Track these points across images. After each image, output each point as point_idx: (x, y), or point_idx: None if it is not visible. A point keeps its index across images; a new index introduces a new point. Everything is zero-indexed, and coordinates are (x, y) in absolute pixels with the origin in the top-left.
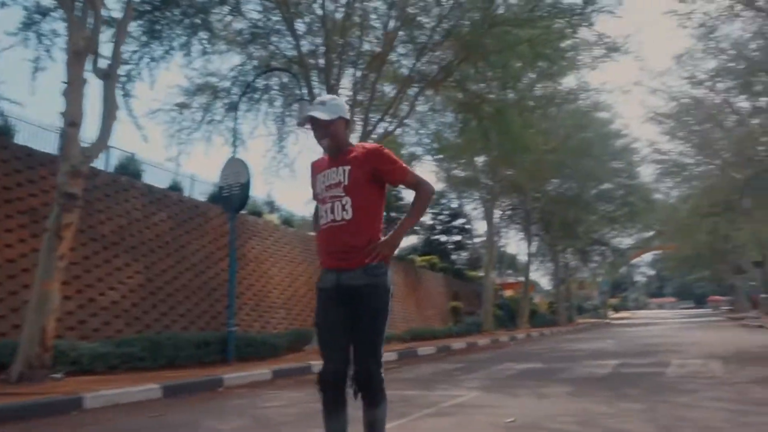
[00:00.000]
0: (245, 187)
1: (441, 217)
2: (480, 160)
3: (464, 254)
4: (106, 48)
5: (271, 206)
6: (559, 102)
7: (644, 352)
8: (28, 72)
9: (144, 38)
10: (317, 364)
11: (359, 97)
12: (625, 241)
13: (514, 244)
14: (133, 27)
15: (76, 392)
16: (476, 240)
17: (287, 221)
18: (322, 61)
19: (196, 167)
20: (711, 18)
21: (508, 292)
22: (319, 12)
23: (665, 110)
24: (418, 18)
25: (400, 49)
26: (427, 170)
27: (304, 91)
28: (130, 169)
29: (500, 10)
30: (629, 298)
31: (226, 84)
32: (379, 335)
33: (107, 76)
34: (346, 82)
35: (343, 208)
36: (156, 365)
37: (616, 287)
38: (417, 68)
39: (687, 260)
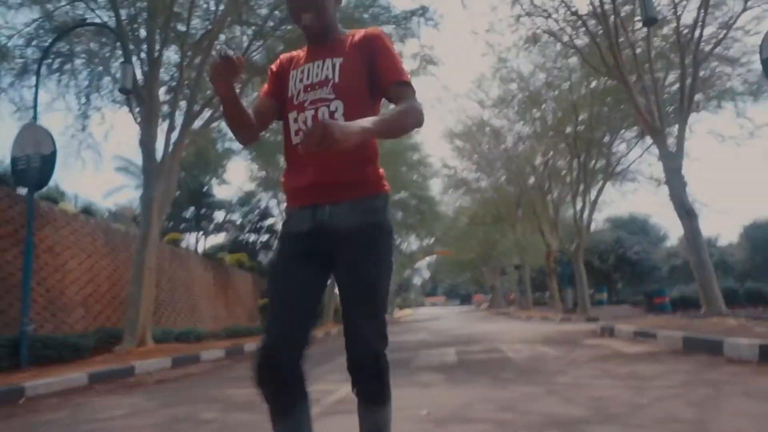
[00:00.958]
0: (49, 160)
1: (251, 216)
2: None
3: (272, 254)
4: None
5: (70, 196)
6: None
7: (466, 341)
8: None
9: None
10: (141, 363)
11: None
12: (411, 246)
13: None
14: None
15: None
16: None
17: (87, 210)
18: (143, 32)
19: None
20: (504, 49)
21: None
22: None
23: (457, 129)
24: (251, 2)
25: (231, 33)
26: (240, 168)
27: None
28: None
29: None
30: (409, 297)
31: (19, 42)
32: (382, 301)
33: None
34: (171, 59)
35: (332, 117)
36: None
37: (399, 287)
38: (247, 56)
39: (458, 264)
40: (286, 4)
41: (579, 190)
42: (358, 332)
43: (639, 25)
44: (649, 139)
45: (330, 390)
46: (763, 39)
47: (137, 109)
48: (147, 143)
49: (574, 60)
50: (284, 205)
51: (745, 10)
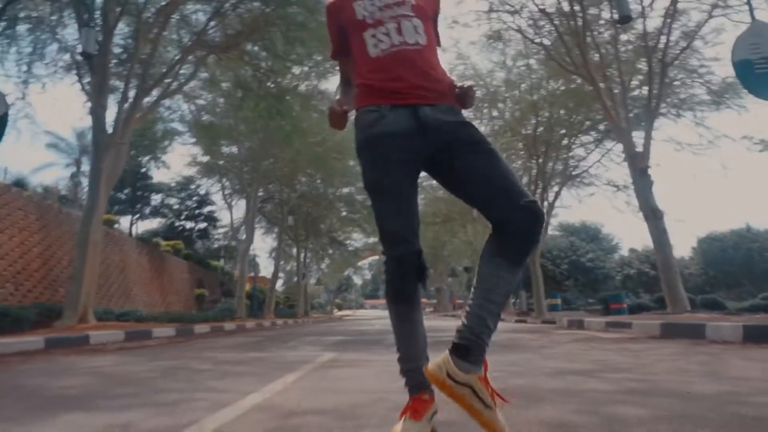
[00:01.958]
0: (1, 120)
1: (188, 202)
2: (243, 146)
3: (208, 243)
4: None
5: None
6: (333, 94)
7: (430, 329)
8: None
9: None
10: (96, 334)
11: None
12: (355, 244)
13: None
14: None
15: None
16: (220, 230)
17: (19, 184)
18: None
19: None
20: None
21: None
22: None
23: None
24: None
25: (191, 6)
26: (179, 152)
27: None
28: None
29: None
30: (348, 298)
31: None
32: (513, 172)
33: None
34: (124, 29)
35: (416, 31)
36: None
37: (339, 287)
38: (206, 31)
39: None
40: None
41: (537, 190)
42: (511, 192)
43: (606, 27)
44: (607, 144)
45: (316, 355)
46: (734, 43)
47: (87, 80)
48: (98, 113)
49: (533, 60)
50: (351, 110)
51: (710, 17)
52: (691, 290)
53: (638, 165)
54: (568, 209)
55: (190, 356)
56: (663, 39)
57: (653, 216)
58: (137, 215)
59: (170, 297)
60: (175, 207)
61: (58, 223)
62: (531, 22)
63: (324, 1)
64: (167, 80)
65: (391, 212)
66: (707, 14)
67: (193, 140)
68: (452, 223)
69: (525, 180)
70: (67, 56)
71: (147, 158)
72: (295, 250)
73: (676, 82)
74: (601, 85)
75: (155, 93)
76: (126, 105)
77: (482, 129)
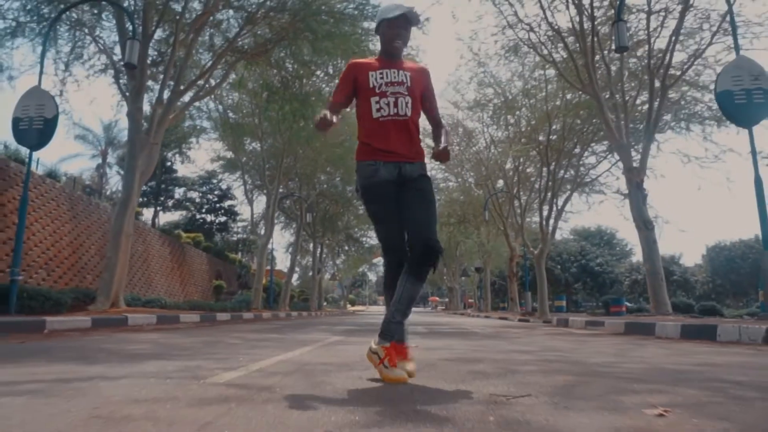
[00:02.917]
0: (51, 123)
1: (210, 196)
2: (266, 144)
3: (227, 236)
4: None
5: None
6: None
7: (432, 324)
8: None
9: None
10: (133, 317)
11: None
12: (371, 241)
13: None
14: None
15: None
16: (240, 223)
17: (51, 175)
18: (139, 4)
19: None
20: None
21: None
22: None
23: (429, 128)
24: None
25: (224, 14)
26: (205, 147)
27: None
28: None
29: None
30: (361, 294)
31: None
32: (436, 218)
33: None
34: (160, 35)
35: (407, 106)
36: None
37: (353, 283)
38: (238, 37)
39: None
40: (385, 28)
41: (546, 197)
42: (427, 236)
43: (613, 48)
44: (617, 155)
45: (326, 337)
46: (719, 75)
47: (123, 80)
48: (135, 115)
49: (550, 71)
50: (355, 162)
51: (711, 43)
52: (698, 298)
53: (634, 179)
54: (583, 214)
55: (221, 335)
56: (667, 58)
57: (644, 227)
58: (160, 207)
59: (189, 287)
60: (197, 200)
61: (88, 213)
62: (545, 38)
63: (347, 12)
64: (199, 83)
65: (389, 232)
66: (708, 40)
67: (217, 136)
68: (466, 225)
69: (536, 186)
70: (103, 57)
71: (172, 153)
72: (311, 246)
73: (687, 98)
74: (607, 101)
75: (188, 96)
76: (160, 108)
77: (498, 135)
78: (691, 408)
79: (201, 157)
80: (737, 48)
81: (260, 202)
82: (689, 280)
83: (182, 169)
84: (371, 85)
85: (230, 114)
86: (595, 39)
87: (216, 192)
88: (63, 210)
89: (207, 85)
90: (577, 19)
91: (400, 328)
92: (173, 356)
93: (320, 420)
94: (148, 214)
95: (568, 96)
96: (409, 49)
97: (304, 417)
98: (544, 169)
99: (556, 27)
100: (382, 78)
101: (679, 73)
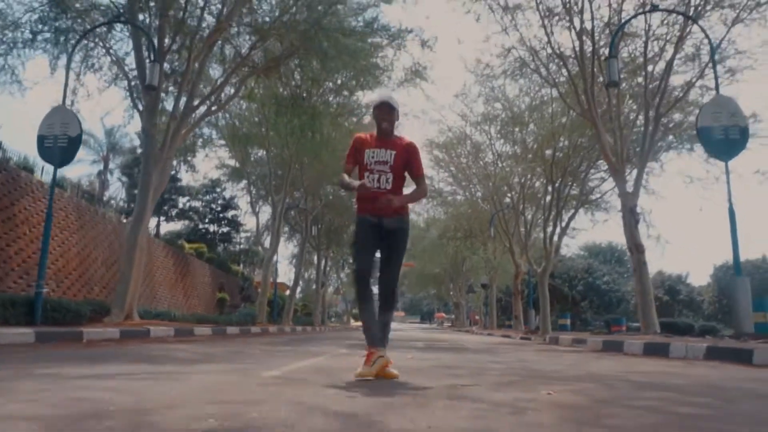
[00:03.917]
0: (75, 141)
1: (213, 206)
2: (272, 154)
3: (230, 246)
4: None
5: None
6: (362, 113)
7: (431, 340)
8: None
9: None
10: (154, 329)
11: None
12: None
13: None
14: None
15: None
16: (243, 234)
17: (59, 184)
18: (155, 22)
19: None
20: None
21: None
22: None
23: (438, 140)
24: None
25: (235, 30)
26: (209, 155)
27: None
28: None
29: (331, 18)
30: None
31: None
32: (400, 267)
33: None
34: (173, 52)
35: (387, 181)
36: None
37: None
38: (250, 53)
39: (423, 277)
40: (375, 112)
41: (551, 214)
42: (390, 280)
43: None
44: None
45: (334, 350)
46: (700, 111)
47: (136, 95)
48: (150, 131)
49: (556, 90)
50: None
51: (701, 76)
52: (707, 317)
53: (628, 203)
54: (595, 229)
55: (241, 347)
56: (661, 86)
57: (636, 250)
58: (164, 217)
59: (193, 300)
60: (200, 210)
61: (94, 224)
62: (547, 62)
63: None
64: (211, 98)
65: (360, 256)
66: (698, 74)
67: (222, 143)
68: (473, 240)
69: (542, 202)
70: (115, 68)
71: (177, 161)
72: (315, 258)
73: (685, 120)
74: (606, 125)
75: (200, 110)
76: (173, 123)
77: (506, 149)
78: (573, 392)
79: (205, 165)
80: (717, 87)
81: (264, 213)
82: (695, 299)
83: (186, 178)
84: (365, 162)
85: (237, 123)
86: (596, 64)
87: (220, 201)
88: (71, 220)
89: (219, 100)
90: (578, 43)
91: (382, 336)
92: (219, 361)
93: (343, 392)
94: (151, 223)
95: (574, 114)
96: (416, 65)
97: (332, 391)
98: (549, 186)
99: (558, 51)
100: (373, 157)
101: (675, 99)
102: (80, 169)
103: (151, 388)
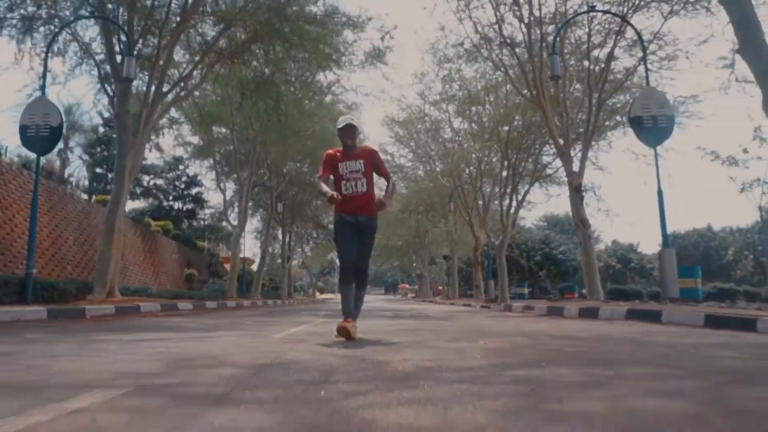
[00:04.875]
0: (57, 131)
1: (177, 183)
2: (237, 135)
3: (195, 223)
4: None
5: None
6: (323, 94)
7: (397, 310)
8: None
9: None
10: (144, 304)
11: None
12: None
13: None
14: None
15: None
16: (207, 210)
17: (27, 166)
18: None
19: None
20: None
21: (226, 265)
22: None
23: (398, 118)
24: None
25: (201, 20)
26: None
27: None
28: None
29: (293, 5)
30: (330, 281)
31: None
32: (371, 251)
33: None
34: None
35: (362, 185)
36: None
37: (321, 271)
38: (216, 41)
39: (386, 249)
40: (340, 133)
41: (507, 189)
42: (362, 263)
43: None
44: (572, 152)
45: (313, 320)
46: (632, 102)
47: (106, 82)
48: (123, 117)
49: (511, 72)
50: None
51: (642, 62)
52: (659, 283)
53: (574, 182)
54: (553, 201)
55: (233, 320)
56: (604, 75)
57: (582, 225)
58: (129, 195)
59: (162, 276)
60: (164, 187)
61: (63, 204)
62: (498, 51)
63: (318, 18)
64: (180, 85)
65: (343, 250)
66: (636, 63)
67: (184, 121)
68: (434, 213)
69: (499, 178)
70: (80, 53)
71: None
72: (280, 233)
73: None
74: (555, 109)
75: (170, 96)
76: (145, 109)
77: (464, 126)
78: (503, 341)
79: (167, 143)
80: (648, 80)
81: (229, 190)
82: (645, 267)
83: (150, 156)
84: (341, 173)
85: (201, 104)
86: (545, 51)
87: (183, 179)
88: (41, 201)
89: (187, 86)
90: (527, 32)
91: (353, 313)
92: (228, 329)
93: (335, 345)
94: None
95: (527, 94)
96: (375, 50)
97: (330, 345)
98: (505, 162)
99: (509, 40)
100: (347, 168)
101: (617, 83)
102: None
103: (199, 345)
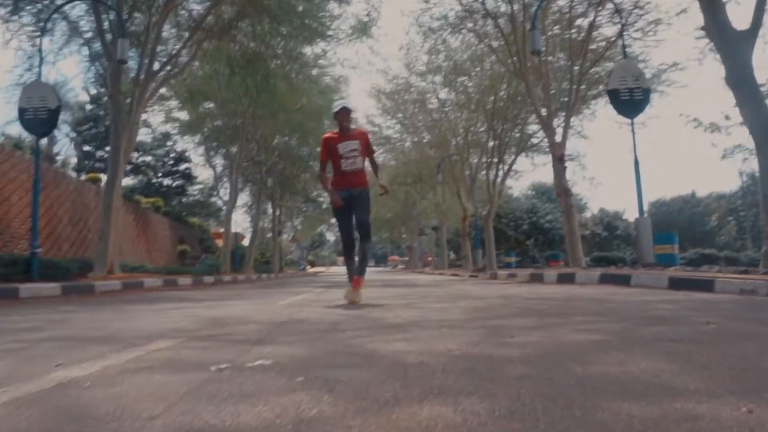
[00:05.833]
0: (55, 112)
1: (166, 159)
2: (226, 110)
3: (185, 199)
4: None
5: None
6: (310, 67)
7: (388, 280)
8: None
9: None
10: (147, 280)
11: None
12: (328, 201)
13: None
14: None
15: None
16: (196, 186)
17: (18, 146)
18: None
19: None
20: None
21: (218, 241)
22: None
23: (385, 89)
24: None
25: None
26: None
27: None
28: None
29: None
30: (320, 255)
31: None
32: (369, 212)
33: None
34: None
35: (359, 162)
36: None
37: (311, 244)
38: (205, 17)
39: (376, 221)
40: (337, 116)
41: (494, 159)
42: (363, 223)
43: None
44: (556, 121)
45: (310, 290)
46: (610, 74)
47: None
48: (116, 97)
49: (495, 42)
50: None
51: (621, 36)
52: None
53: (556, 153)
54: (539, 170)
55: (235, 291)
56: (584, 47)
57: (564, 194)
58: None
59: (155, 253)
60: (153, 164)
61: (56, 184)
62: (482, 23)
63: None
64: (170, 63)
65: (343, 226)
66: (617, 34)
67: (172, 95)
68: (422, 185)
69: (485, 148)
70: (68, 33)
71: None
72: (269, 207)
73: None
74: (538, 81)
75: (161, 75)
76: (137, 89)
77: (452, 96)
78: (481, 303)
79: (155, 119)
80: (624, 53)
81: (218, 165)
82: (631, 234)
83: (140, 133)
84: (341, 152)
85: (190, 80)
86: (527, 22)
87: (172, 155)
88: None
89: (177, 64)
90: (510, 4)
91: (360, 268)
92: (235, 299)
93: (336, 307)
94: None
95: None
96: (360, 24)
97: (332, 307)
98: (492, 132)
99: (493, 13)
100: (345, 148)
101: (598, 54)
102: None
103: (220, 311)
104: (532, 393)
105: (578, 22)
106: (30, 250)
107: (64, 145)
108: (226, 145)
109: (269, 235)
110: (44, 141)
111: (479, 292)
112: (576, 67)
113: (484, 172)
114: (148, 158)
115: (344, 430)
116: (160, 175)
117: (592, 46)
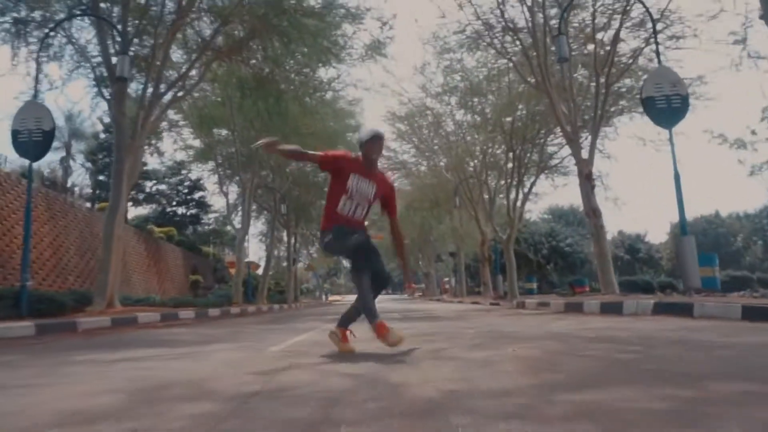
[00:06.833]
0: (49, 134)
1: (180, 188)
2: (238, 135)
3: (199, 228)
4: None
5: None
6: (324, 90)
7: (405, 311)
8: None
9: None
10: (142, 315)
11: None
12: None
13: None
14: None
15: None
16: (211, 215)
17: (26, 175)
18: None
19: None
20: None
21: (231, 270)
22: None
23: (400, 113)
24: None
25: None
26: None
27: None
28: None
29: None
30: (337, 283)
31: None
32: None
33: None
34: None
35: (362, 212)
36: None
37: (328, 272)
38: (213, 38)
39: (392, 248)
40: (368, 145)
41: (513, 181)
42: (384, 276)
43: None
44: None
45: (318, 326)
46: (644, 82)
47: (103, 85)
48: (119, 120)
49: (514, 58)
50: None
51: (651, 41)
52: (668, 273)
53: (584, 170)
54: (558, 192)
55: (236, 328)
56: (610, 58)
57: (593, 215)
58: (131, 202)
59: (166, 283)
60: (167, 193)
61: (64, 213)
62: (501, 35)
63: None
64: (178, 85)
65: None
66: (644, 43)
67: (186, 123)
68: (439, 209)
69: (504, 170)
70: (76, 57)
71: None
72: (284, 235)
73: (635, 86)
74: (561, 95)
75: (167, 97)
76: (142, 111)
77: (468, 118)
78: (533, 348)
79: (168, 147)
80: (659, 59)
81: (232, 193)
82: (654, 257)
83: (152, 161)
84: (347, 187)
85: (201, 105)
86: (548, 35)
87: (186, 183)
88: (41, 211)
89: (185, 86)
90: (530, 16)
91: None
92: (225, 341)
93: (340, 359)
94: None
95: (532, 81)
96: (375, 42)
97: (332, 364)
98: (510, 153)
99: (512, 25)
100: (357, 184)
101: (624, 67)
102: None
103: (184, 366)
104: None
105: (600, 35)
106: (21, 283)
107: (79, 176)
108: (239, 172)
109: (285, 264)
110: (59, 172)
111: (519, 330)
112: (602, 81)
113: (502, 195)
114: (162, 187)
115: None
116: (174, 203)
117: (616, 59)
